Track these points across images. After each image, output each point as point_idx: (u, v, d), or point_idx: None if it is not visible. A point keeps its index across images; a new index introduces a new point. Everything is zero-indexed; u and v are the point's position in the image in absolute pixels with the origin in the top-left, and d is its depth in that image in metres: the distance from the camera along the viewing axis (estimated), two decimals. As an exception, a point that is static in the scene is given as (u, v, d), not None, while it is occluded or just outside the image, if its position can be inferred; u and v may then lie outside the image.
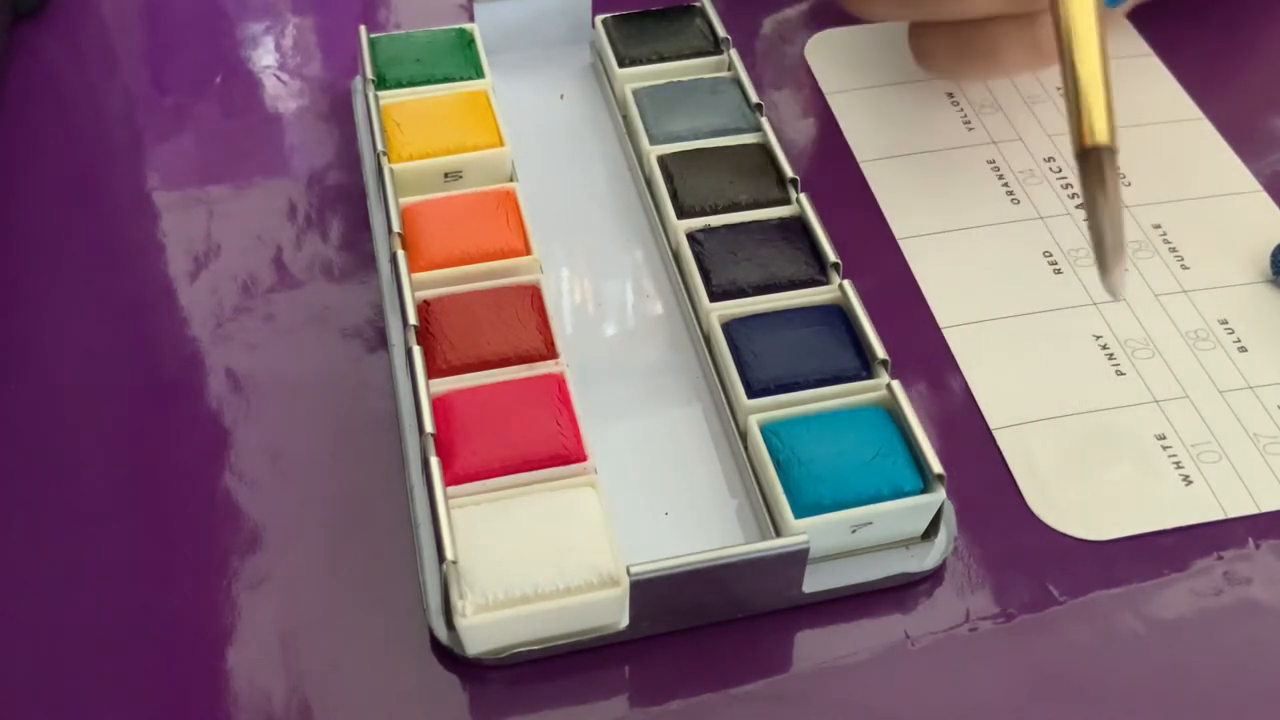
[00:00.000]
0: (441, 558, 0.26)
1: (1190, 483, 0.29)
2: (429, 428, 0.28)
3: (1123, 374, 0.32)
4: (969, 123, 0.39)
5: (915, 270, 0.34)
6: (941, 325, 0.33)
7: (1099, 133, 0.29)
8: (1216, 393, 0.31)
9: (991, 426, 0.31)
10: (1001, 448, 0.30)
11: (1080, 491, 0.29)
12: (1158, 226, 0.36)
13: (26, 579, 0.28)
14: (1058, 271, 0.34)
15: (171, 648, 0.27)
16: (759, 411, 0.29)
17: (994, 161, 0.37)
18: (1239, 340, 0.33)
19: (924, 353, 0.33)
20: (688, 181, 0.34)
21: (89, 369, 0.33)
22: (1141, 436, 0.30)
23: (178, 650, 0.27)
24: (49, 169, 0.38)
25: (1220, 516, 0.29)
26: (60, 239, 0.36)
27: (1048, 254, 0.35)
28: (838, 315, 0.31)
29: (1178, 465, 0.30)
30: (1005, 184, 0.37)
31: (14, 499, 0.30)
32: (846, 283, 0.31)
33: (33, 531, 0.29)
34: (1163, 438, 0.30)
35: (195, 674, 0.27)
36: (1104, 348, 0.32)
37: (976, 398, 0.31)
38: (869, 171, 0.37)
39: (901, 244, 0.35)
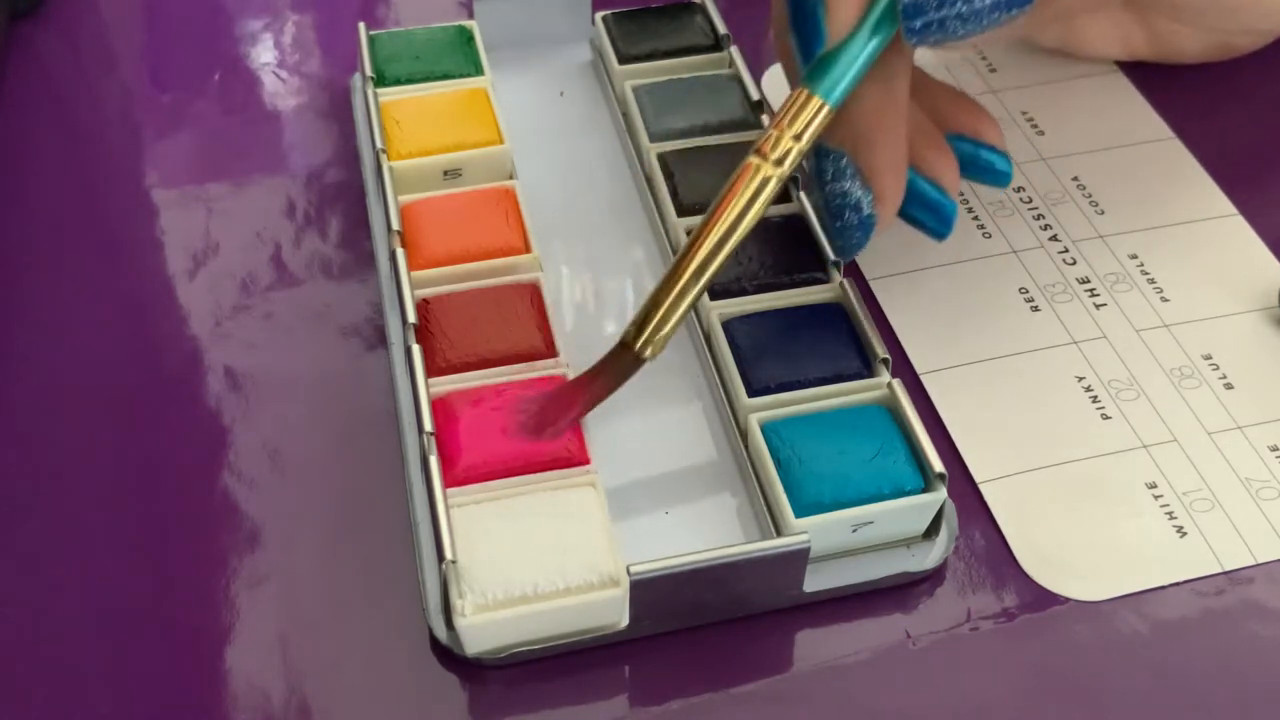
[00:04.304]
0: (441, 557, 0.26)
1: (1184, 534, 0.29)
2: (428, 426, 0.28)
3: (1109, 418, 0.31)
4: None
5: (889, 313, 0.33)
6: (919, 372, 0.32)
7: (640, 337, 0.28)
8: (1205, 435, 0.31)
9: (977, 480, 0.30)
10: (989, 504, 0.29)
11: (1076, 549, 0.29)
12: (1134, 257, 0.35)
13: (25, 578, 0.28)
14: (1035, 309, 0.33)
15: (170, 647, 0.27)
16: (759, 410, 0.29)
17: (962, 193, 0.36)
18: (1224, 376, 0.32)
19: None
20: (688, 179, 0.34)
21: (88, 368, 0.33)
22: (1133, 485, 0.30)
23: (177, 650, 0.27)
24: (47, 167, 0.38)
25: (1216, 570, 0.28)
26: (58, 237, 0.36)
27: (1024, 290, 0.34)
28: (838, 313, 0.31)
29: (1170, 516, 0.29)
30: (975, 217, 0.36)
31: (12, 498, 0.30)
32: (847, 281, 0.31)
33: (31, 530, 0.29)
34: (1154, 486, 0.30)
35: (194, 673, 0.27)
36: (1088, 389, 0.31)
37: (960, 451, 0.30)
38: None
39: (873, 285, 0.34)
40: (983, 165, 0.32)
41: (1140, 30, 0.39)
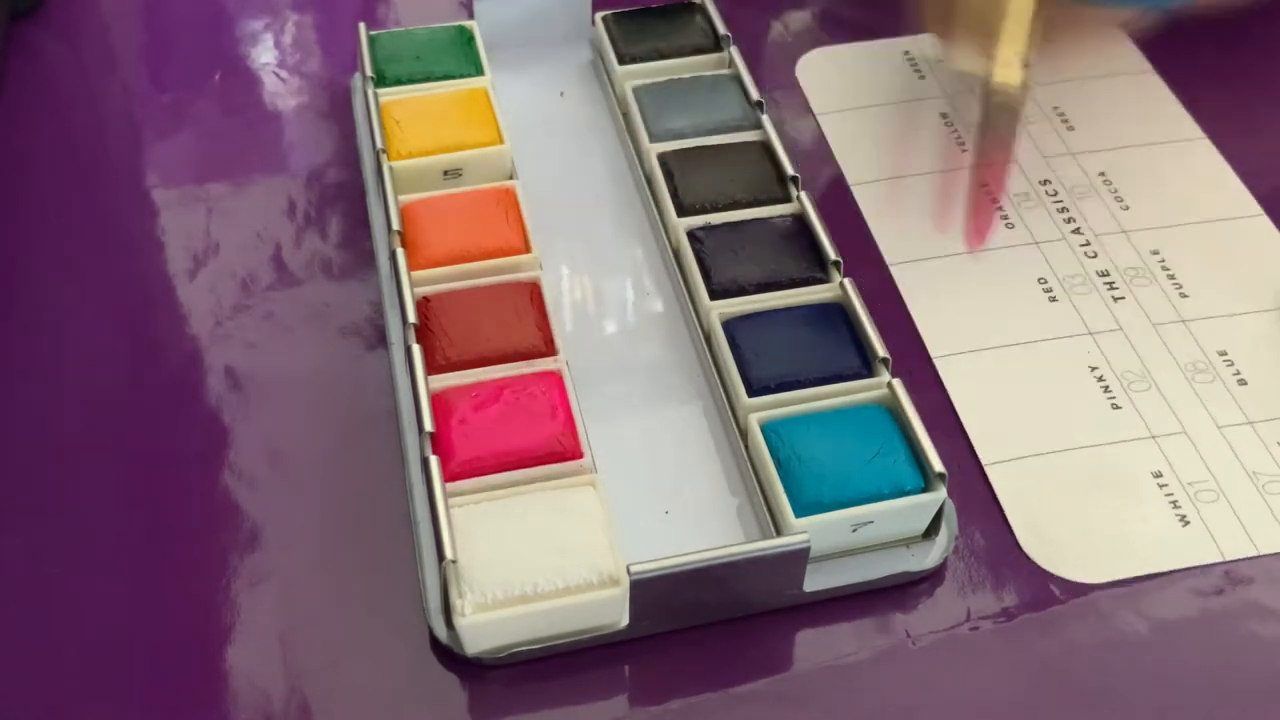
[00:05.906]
0: (441, 557, 0.26)
1: (1187, 523, 0.29)
2: (428, 426, 0.28)
3: (1119, 408, 0.31)
4: (963, 144, 0.38)
5: (906, 297, 0.34)
6: (934, 355, 0.32)
7: (1006, 73, 0.29)
8: (1215, 428, 0.31)
9: (984, 462, 0.30)
10: (994, 485, 0.30)
11: (1077, 532, 0.29)
12: (1156, 253, 0.35)
13: (26, 577, 0.28)
14: (1053, 299, 0.34)
15: (171, 646, 0.27)
16: (759, 410, 0.29)
17: (989, 185, 0.36)
18: (1238, 373, 0.32)
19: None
20: (688, 179, 0.34)
21: (88, 367, 0.33)
22: (1138, 474, 0.30)
23: (177, 648, 0.27)
24: (47, 167, 0.38)
25: (1218, 559, 0.28)
26: (59, 237, 0.36)
27: (1042, 280, 0.34)
28: (838, 313, 0.31)
29: (1174, 505, 0.29)
30: (1000, 207, 0.36)
31: (13, 497, 0.30)
32: (847, 281, 0.31)
33: (32, 530, 0.29)
34: (1159, 475, 0.30)
35: (195, 672, 0.27)
36: (1100, 379, 0.32)
37: (969, 432, 0.31)
38: (859, 195, 0.36)
39: (893, 270, 0.34)
40: None
41: None
